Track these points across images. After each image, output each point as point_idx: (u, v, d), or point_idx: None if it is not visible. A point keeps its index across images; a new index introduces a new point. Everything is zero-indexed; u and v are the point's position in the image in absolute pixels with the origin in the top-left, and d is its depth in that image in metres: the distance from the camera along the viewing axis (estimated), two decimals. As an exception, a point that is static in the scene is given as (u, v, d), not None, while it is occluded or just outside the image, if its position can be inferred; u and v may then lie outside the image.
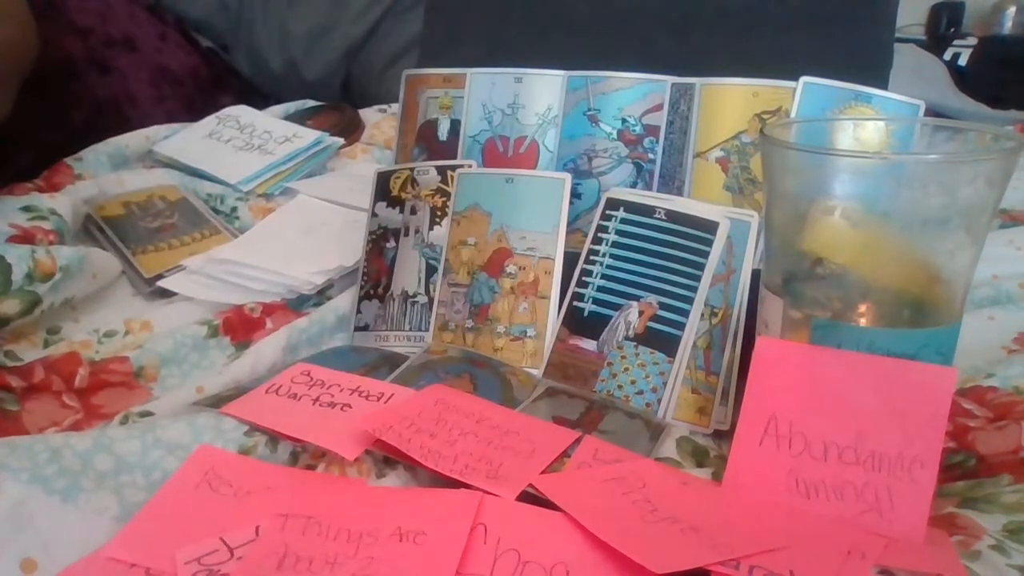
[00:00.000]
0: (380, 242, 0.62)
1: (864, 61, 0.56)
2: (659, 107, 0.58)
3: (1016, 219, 0.73)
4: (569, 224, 0.56)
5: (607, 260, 0.54)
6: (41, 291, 0.53)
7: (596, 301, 0.53)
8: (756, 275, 0.47)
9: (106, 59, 1.02)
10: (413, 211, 0.61)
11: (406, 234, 0.61)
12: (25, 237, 0.58)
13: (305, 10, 1.17)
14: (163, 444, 0.41)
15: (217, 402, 0.47)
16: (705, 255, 0.51)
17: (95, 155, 0.80)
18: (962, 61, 1.37)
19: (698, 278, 0.51)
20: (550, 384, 0.52)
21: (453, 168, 0.60)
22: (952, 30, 1.71)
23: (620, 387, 0.50)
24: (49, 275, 0.54)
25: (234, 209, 0.78)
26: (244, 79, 1.24)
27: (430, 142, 0.64)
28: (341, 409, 0.46)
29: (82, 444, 0.39)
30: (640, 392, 0.50)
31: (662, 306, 0.51)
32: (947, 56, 1.39)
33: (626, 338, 0.51)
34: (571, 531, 0.36)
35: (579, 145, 0.60)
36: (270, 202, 0.79)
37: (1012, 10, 1.70)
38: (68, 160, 0.78)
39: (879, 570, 0.34)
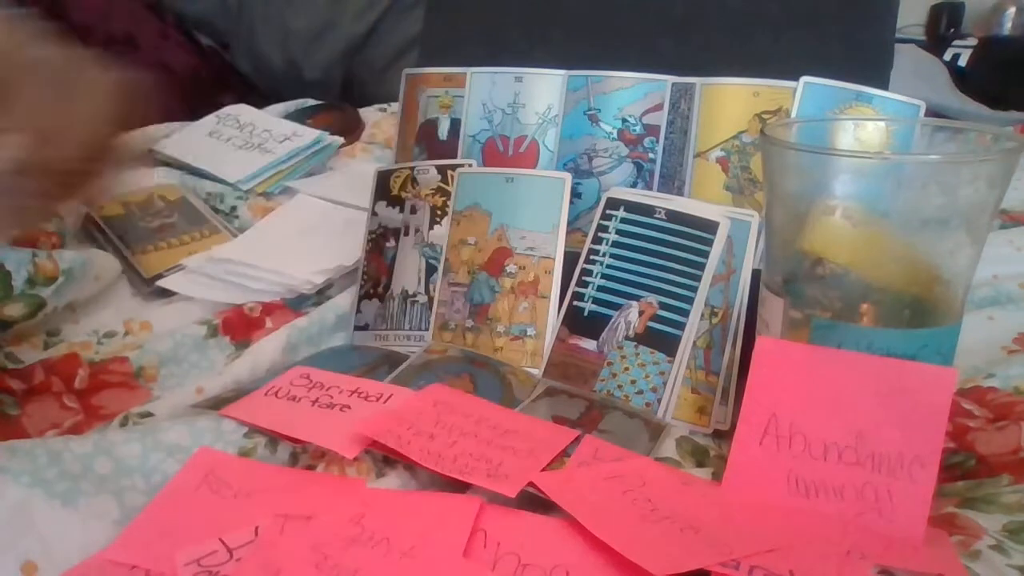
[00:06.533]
0: (380, 241, 0.62)
1: (864, 61, 0.56)
2: (659, 107, 0.58)
3: (1016, 219, 0.73)
4: (569, 224, 0.56)
5: (607, 260, 0.54)
6: (45, 294, 0.53)
7: (596, 301, 0.53)
8: (756, 275, 0.47)
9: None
10: (413, 210, 0.61)
11: (406, 233, 0.61)
12: (28, 239, 0.59)
13: (305, 9, 1.17)
14: (163, 447, 0.41)
15: (217, 404, 0.47)
16: (705, 255, 0.51)
17: (95, 154, 0.80)
18: (962, 61, 1.37)
19: (698, 278, 0.51)
20: (550, 384, 0.52)
21: (453, 167, 0.60)
22: (952, 30, 1.70)
23: (620, 387, 0.50)
24: (51, 278, 0.54)
25: (234, 208, 0.78)
26: (244, 78, 1.24)
27: (430, 141, 0.64)
28: (340, 410, 0.46)
29: (82, 447, 0.39)
30: (640, 392, 0.50)
31: (662, 306, 0.51)
32: (947, 56, 1.38)
33: (626, 338, 0.51)
34: (570, 534, 0.36)
35: (579, 145, 0.59)
36: (270, 201, 0.79)
37: (1012, 10, 1.69)
38: (68, 159, 0.78)
39: (879, 570, 0.34)
